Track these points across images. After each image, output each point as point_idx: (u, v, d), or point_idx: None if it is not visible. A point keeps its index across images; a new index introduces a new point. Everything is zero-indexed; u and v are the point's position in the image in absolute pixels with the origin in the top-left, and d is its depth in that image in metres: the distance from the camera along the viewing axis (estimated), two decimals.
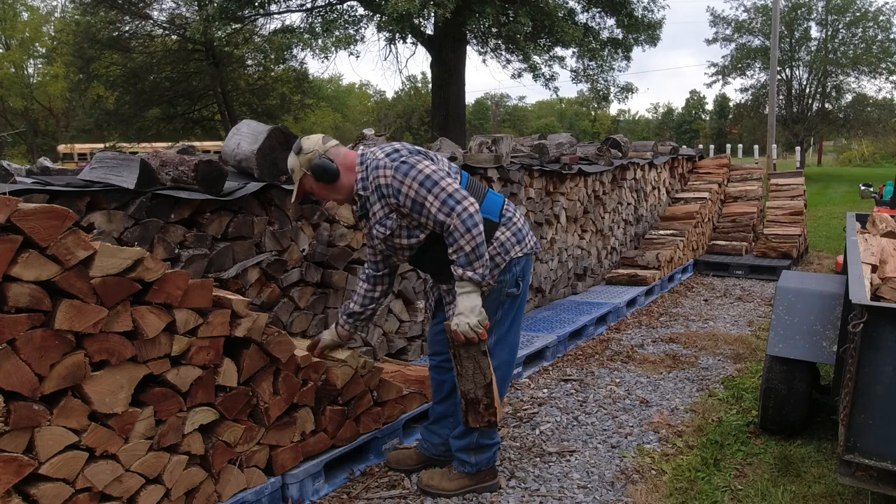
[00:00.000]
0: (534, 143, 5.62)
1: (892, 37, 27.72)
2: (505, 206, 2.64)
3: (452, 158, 4.33)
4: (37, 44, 27.84)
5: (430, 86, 17.73)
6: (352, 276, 3.50)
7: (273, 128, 3.06)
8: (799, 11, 28.42)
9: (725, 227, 8.66)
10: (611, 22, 15.86)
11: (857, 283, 2.49)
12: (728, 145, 23.54)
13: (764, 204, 9.07)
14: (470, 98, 54.75)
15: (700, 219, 8.07)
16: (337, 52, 13.97)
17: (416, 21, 12.97)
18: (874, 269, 2.95)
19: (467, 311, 2.39)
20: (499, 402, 2.55)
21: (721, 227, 8.71)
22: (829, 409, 3.35)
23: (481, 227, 2.37)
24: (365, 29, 14.60)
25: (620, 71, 18.86)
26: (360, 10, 14.61)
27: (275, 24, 18.72)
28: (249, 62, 23.11)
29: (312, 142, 2.54)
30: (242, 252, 2.92)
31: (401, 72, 32.55)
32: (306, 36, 13.64)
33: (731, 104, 45.07)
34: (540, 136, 6.41)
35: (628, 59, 16.50)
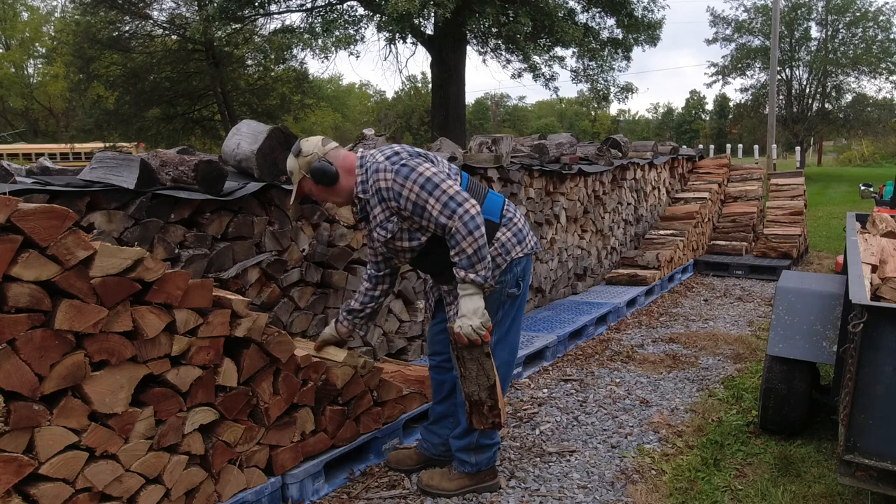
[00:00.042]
0: (534, 143, 5.62)
1: (892, 37, 27.72)
2: (505, 207, 2.64)
3: (452, 158, 4.33)
4: (37, 44, 27.86)
5: (430, 86, 17.73)
6: (352, 276, 3.50)
7: (273, 128, 3.06)
8: (799, 11, 28.42)
9: (725, 227, 8.66)
10: (611, 22, 15.87)
11: (857, 283, 2.49)
12: (728, 145, 23.54)
13: (764, 204, 9.07)
14: (470, 98, 54.80)
15: (700, 219, 8.08)
16: (337, 52, 13.97)
17: (416, 21, 12.96)
18: (874, 269, 2.95)
19: (470, 313, 2.39)
20: (503, 403, 2.55)
21: (721, 227, 8.71)
22: (829, 409, 3.35)
23: (483, 229, 2.37)
24: (365, 29, 14.61)
25: (620, 71, 18.87)
26: (360, 10, 14.61)
27: (275, 24, 18.76)
28: (249, 62, 23.10)
29: (311, 144, 2.53)
30: (242, 252, 2.92)
31: (401, 72, 32.58)
32: (306, 36, 13.64)
33: (731, 104, 45.09)
34: (540, 136, 6.41)
35: (628, 59, 16.50)
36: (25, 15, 28.05)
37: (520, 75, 16.32)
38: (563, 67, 21.37)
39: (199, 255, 2.69)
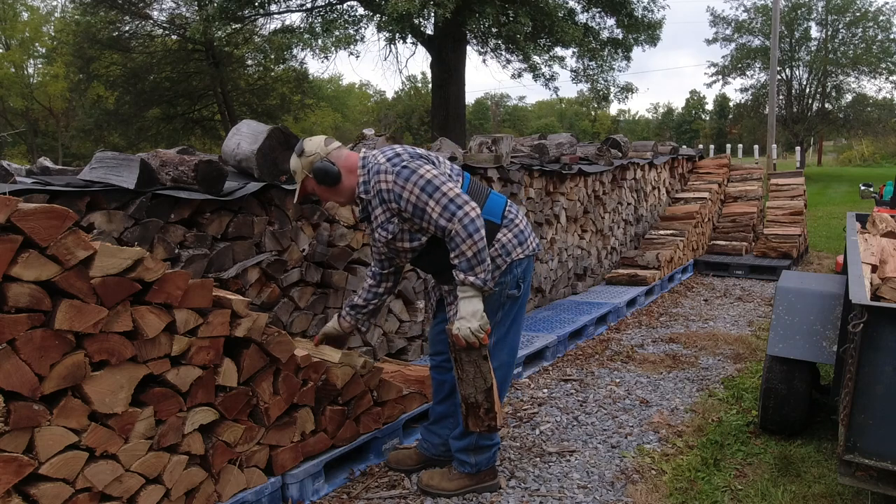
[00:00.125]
0: (534, 143, 5.62)
1: (892, 37, 27.71)
2: (507, 208, 2.64)
3: (452, 158, 4.33)
4: (37, 44, 27.83)
5: (430, 86, 17.73)
6: (352, 276, 3.50)
7: (273, 128, 3.06)
8: (799, 11, 28.41)
9: (725, 227, 8.66)
10: (611, 22, 15.87)
11: (857, 283, 2.49)
12: (728, 145, 23.51)
13: (764, 204, 9.07)
14: (470, 98, 54.75)
15: (700, 219, 8.08)
16: (337, 52, 13.97)
17: (416, 21, 12.96)
18: (874, 269, 2.95)
19: (469, 315, 2.39)
20: (499, 406, 2.55)
21: (721, 227, 8.72)
22: (829, 409, 3.35)
23: (483, 231, 2.37)
24: (365, 29, 14.60)
25: (620, 71, 18.89)
26: (360, 10, 14.61)
27: (275, 24, 18.75)
28: (249, 62, 23.10)
29: (314, 144, 2.53)
30: (242, 252, 2.92)
31: (401, 72, 32.59)
32: (306, 36, 13.63)
33: (731, 104, 45.06)
34: (540, 136, 6.41)
35: (628, 59, 16.50)
36: (25, 15, 28.03)
37: (520, 75, 16.33)
38: (563, 67, 21.39)
39: (199, 255, 2.70)
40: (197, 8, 17.34)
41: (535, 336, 4.59)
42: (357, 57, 33.36)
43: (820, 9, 28.50)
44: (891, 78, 28.20)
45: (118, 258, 1.98)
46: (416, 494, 2.77)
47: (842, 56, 28.32)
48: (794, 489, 2.79)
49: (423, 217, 2.40)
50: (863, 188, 7.23)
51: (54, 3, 29.20)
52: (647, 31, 15.49)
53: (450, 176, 2.52)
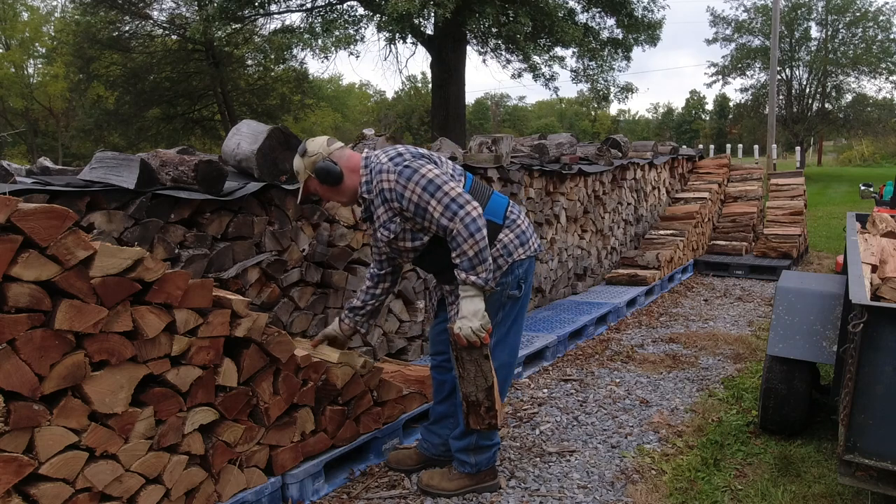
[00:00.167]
0: (534, 143, 5.62)
1: (892, 37, 27.71)
2: (509, 209, 2.64)
3: (452, 158, 4.33)
4: (37, 44, 27.82)
5: (430, 86, 17.73)
6: (352, 276, 3.50)
7: (273, 128, 3.06)
8: (799, 11, 28.41)
9: (725, 227, 8.66)
10: (611, 22, 15.87)
11: (857, 283, 2.49)
12: (728, 145, 23.51)
13: (764, 204, 9.07)
14: (470, 98, 54.75)
15: (700, 219, 8.08)
16: (337, 52, 13.97)
17: (416, 21, 12.96)
18: (874, 269, 2.95)
19: (470, 314, 2.39)
20: (500, 405, 2.55)
21: (721, 227, 8.71)
22: (829, 409, 3.35)
23: (484, 231, 2.38)
24: (365, 29, 14.61)
25: (620, 71, 18.89)
26: (360, 10, 14.61)
27: (275, 24, 18.75)
28: (249, 62, 23.11)
29: (317, 144, 2.54)
30: (242, 252, 2.92)
31: (401, 72, 32.61)
32: (306, 36, 13.63)
33: (731, 104, 45.06)
34: (540, 136, 6.41)
35: (628, 59, 16.50)
36: (25, 15, 28.02)
37: (520, 75, 16.33)
38: (563, 67, 21.39)
39: (199, 255, 2.70)
40: (197, 8, 17.34)
41: (535, 336, 4.59)
42: (357, 57, 33.39)
43: (820, 9, 28.51)
44: (891, 78, 28.22)
45: (118, 258, 1.98)
46: (416, 494, 2.77)
47: (842, 56, 28.32)
48: (794, 489, 2.79)
49: (424, 216, 2.40)
50: (863, 188, 7.23)
51: (54, 3, 29.22)
52: (647, 31, 15.49)
53: (452, 176, 2.53)
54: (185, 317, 2.17)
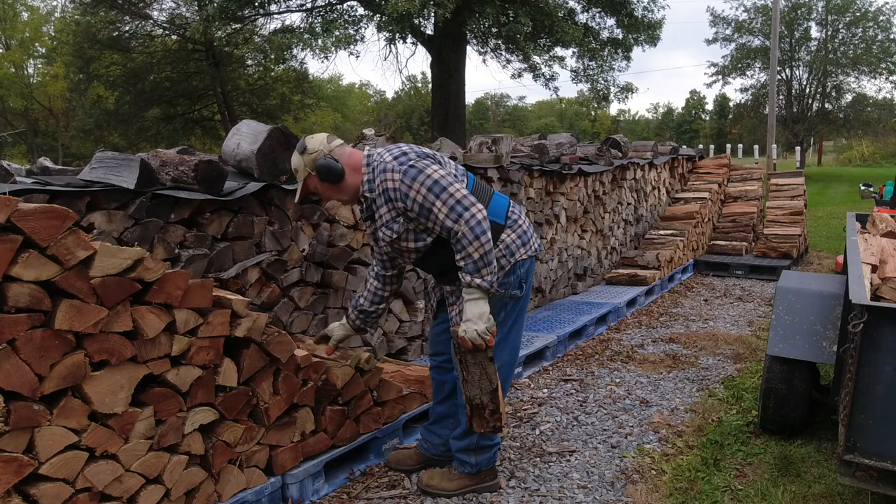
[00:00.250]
0: (534, 143, 5.62)
1: (892, 37, 27.71)
2: (510, 209, 2.63)
3: (452, 158, 4.33)
4: (37, 44, 27.82)
5: (430, 86, 17.73)
6: (352, 276, 3.50)
7: (273, 128, 3.06)
8: (799, 11, 28.41)
9: (725, 227, 8.66)
10: (611, 22, 15.87)
11: (857, 283, 2.49)
12: (728, 145, 23.51)
13: (764, 204, 9.07)
14: (470, 98, 54.72)
15: (700, 219, 8.08)
16: (337, 52, 13.97)
17: (416, 21, 12.96)
18: (874, 269, 2.95)
19: (475, 317, 2.39)
20: (504, 408, 2.55)
21: (721, 227, 8.71)
22: (829, 409, 3.35)
23: (489, 233, 2.37)
24: (365, 29, 14.60)
25: (620, 71, 18.88)
26: (360, 10, 14.61)
27: (275, 24, 18.75)
28: (249, 62, 23.10)
29: (317, 141, 2.51)
30: (242, 252, 2.92)
31: (401, 72, 32.63)
32: (306, 36, 13.63)
33: (731, 104, 45.06)
34: (540, 136, 6.41)
35: (628, 59, 16.50)
36: (25, 15, 28.02)
37: (520, 75, 16.33)
38: (563, 67, 21.38)
39: (199, 255, 2.70)
40: (197, 8, 17.34)
41: (535, 336, 4.59)
42: (357, 57, 33.40)
43: (820, 9, 28.51)
44: (891, 78, 28.22)
45: (118, 258, 1.98)
46: (416, 494, 2.77)
47: (842, 56, 28.32)
48: (794, 489, 2.79)
49: (428, 217, 2.39)
50: (863, 188, 7.23)
51: (54, 3, 29.22)
52: (647, 31, 15.49)
53: (455, 176, 2.51)
54: (185, 317, 2.17)
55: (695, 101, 62.82)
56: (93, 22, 17.74)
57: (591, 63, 16.19)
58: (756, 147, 25.11)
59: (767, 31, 26.17)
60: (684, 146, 11.24)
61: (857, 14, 27.94)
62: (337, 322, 2.94)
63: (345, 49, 13.71)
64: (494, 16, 12.98)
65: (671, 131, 60.26)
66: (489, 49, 16.18)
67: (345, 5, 14.94)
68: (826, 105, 30.23)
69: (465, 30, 14.31)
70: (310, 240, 3.30)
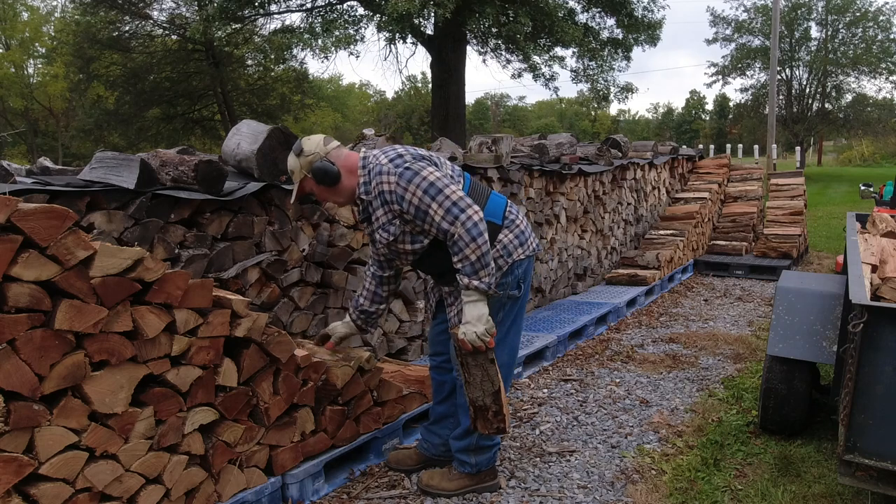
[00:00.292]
0: (534, 143, 5.62)
1: (892, 37, 27.71)
2: (508, 209, 2.63)
3: (452, 158, 4.33)
4: (37, 44, 27.82)
5: (430, 86, 17.73)
6: (352, 276, 3.50)
7: (273, 128, 3.06)
8: (799, 11, 28.41)
9: (725, 227, 8.66)
10: (611, 22, 15.87)
11: (857, 283, 2.49)
12: (728, 145, 23.50)
13: (764, 204, 9.07)
14: (470, 98, 54.71)
15: (700, 219, 8.08)
16: (337, 52, 13.97)
17: (416, 21, 12.96)
18: (874, 269, 2.95)
19: (474, 319, 2.39)
20: (507, 409, 2.55)
21: (721, 227, 8.72)
22: (829, 409, 3.35)
23: (486, 235, 2.37)
24: (365, 29, 14.61)
25: (620, 71, 18.89)
26: (360, 10, 14.61)
27: (275, 24, 18.76)
28: (249, 62, 23.10)
29: (313, 143, 2.51)
30: (242, 252, 2.92)
31: (401, 72, 32.62)
32: (306, 36, 13.63)
33: (731, 104, 45.05)
34: (540, 136, 6.41)
35: (628, 59, 16.50)
36: (25, 15, 28.02)
37: (520, 75, 16.33)
38: (563, 67, 21.38)
39: (199, 255, 2.70)
40: (197, 8, 17.34)
41: (535, 336, 4.59)
42: (357, 57, 33.40)
43: (820, 9, 28.51)
44: (891, 78, 28.22)
45: (118, 258, 1.98)
46: (416, 494, 2.77)
47: (842, 56, 28.32)
48: (794, 489, 2.79)
49: (425, 219, 2.39)
50: (863, 188, 7.23)
51: (54, 3, 29.22)
52: (647, 31, 15.49)
53: (452, 178, 2.51)
54: (185, 317, 2.17)
55: (695, 101, 62.83)
56: (93, 22, 17.75)
57: (591, 63, 16.19)
58: (756, 147, 25.11)
59: (767, 31, 26.18)
60: (684, 146, 11.23)
61: (857, 14, 27.94)
62: (339, 321, 2.94)
63: (345, 49, 13.72)
64: (494, 16, 12.99)
65: (671, 131, 60.26)
66: (489, 49, 16.18)
67: (345, 5, 14.95)
68: (826, 105, 30.24)
69: (465, 30, 14.31)
70: (310, 240, 3.30)
